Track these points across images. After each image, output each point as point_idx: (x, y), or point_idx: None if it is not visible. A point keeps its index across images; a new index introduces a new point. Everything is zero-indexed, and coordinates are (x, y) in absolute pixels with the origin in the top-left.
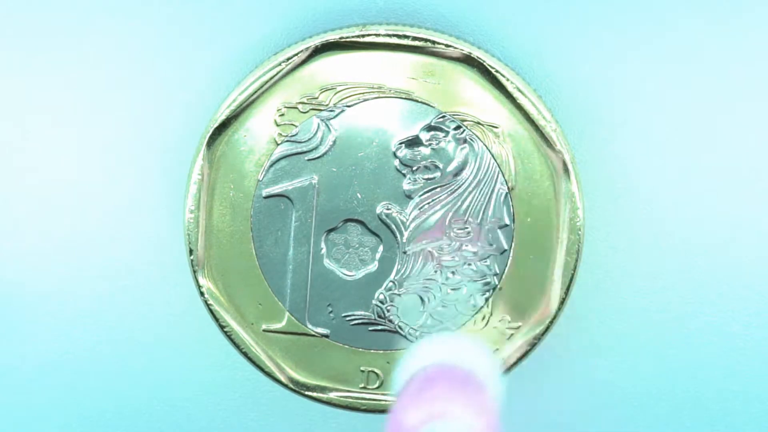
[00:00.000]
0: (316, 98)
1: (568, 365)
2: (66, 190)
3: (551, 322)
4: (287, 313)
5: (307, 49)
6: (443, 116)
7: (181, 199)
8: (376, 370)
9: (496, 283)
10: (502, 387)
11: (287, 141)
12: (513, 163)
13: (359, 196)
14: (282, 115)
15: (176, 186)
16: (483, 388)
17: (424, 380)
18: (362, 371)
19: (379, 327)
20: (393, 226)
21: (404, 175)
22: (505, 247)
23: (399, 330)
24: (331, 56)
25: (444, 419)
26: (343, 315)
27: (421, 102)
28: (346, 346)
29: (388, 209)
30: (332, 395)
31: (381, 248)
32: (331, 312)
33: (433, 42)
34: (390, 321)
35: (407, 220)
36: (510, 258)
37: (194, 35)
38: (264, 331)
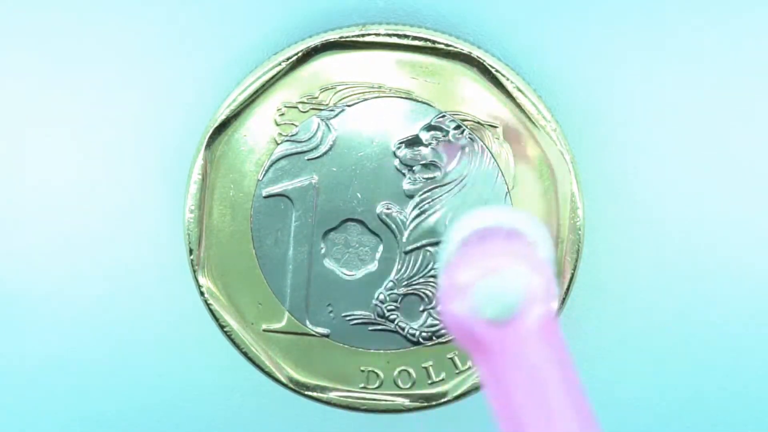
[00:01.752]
0: (316, 98)
1: None
2: (66, 190)
3: None
4: (287, 313)
5: (307, 48)
6: (443, 116)
7: (181, 199)
8: (376, 370)
9: None
10: (553, 253)
11: (287, 141)
12: (513, 163)
13: (359, 196)
14: (282, 114)
15: (176, 186)
16: (536, 247)
17: (476, 240)
18: (362, 371)
19: (379, 327)
20: (393, 226)
21: (404, 174)
22: None
23: (399, 330)
24: (331, 56)
25: (498, 274)
26: (343, 315)
27: (421, 102)
28: (346, 346)
29: (388, 209)
30: (332, 395)
31: (381, 248)
32: (331, 312)
33: (433, 42)
34: (390, 321)
35: (407, 219)
36: None
37: (194, 35)
38: (264, 330)
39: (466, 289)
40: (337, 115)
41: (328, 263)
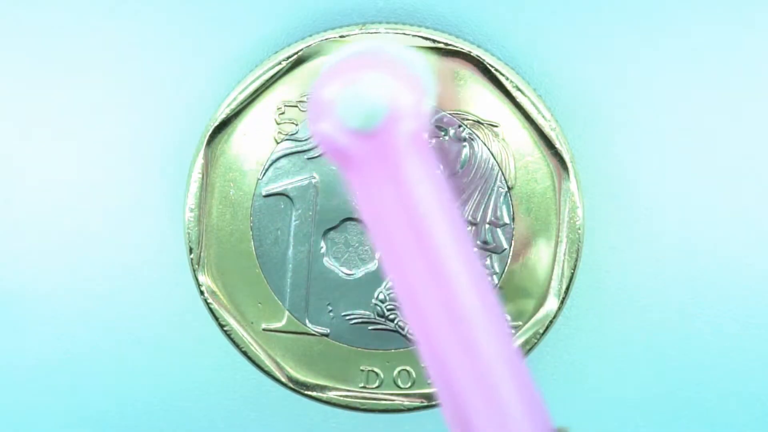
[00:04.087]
0: None
1: (568, 365)
2: (66, 190)
3: (551, 322)
4: (287, 312)
5: (307, 47)
6: (443, 115)
7: (181, 199)
8: (376, 370)
9: (496, 282)
10: (432, 83)
11: (287, 139)
12: (513, 163)
13: None
14: (282, 113)
15: (176, 185)
16: (411, 69)
17: (348, 57)
18: (362, 371)
19: (379, 326)
20: None
21: None
22: (505, 246)
23: (399, 329)
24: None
25: (360, 83)
26: (342, 314)
27: None
28: (346, 346)
29: None
30: (332, 395)
31: None
32: (330, 311)
33: (433, 41)
34: (390, 320)
35: None
36: (509, 257)
37: (194, 35)
38: (264, 330)
39: (331, 102)
40: None
41: (328, 262)
